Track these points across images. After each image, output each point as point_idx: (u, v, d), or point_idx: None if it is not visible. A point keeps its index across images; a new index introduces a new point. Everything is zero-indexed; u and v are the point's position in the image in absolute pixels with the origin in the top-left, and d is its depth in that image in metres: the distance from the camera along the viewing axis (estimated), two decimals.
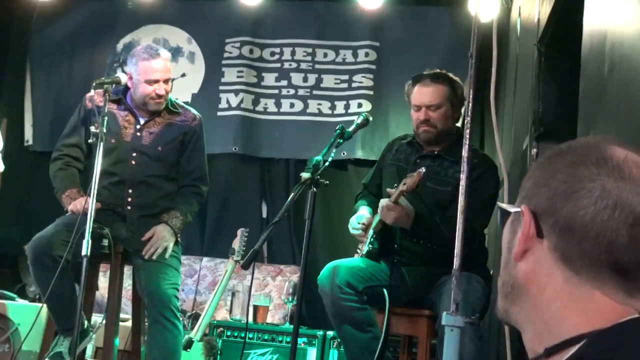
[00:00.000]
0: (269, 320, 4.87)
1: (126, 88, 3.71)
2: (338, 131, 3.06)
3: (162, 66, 3.63)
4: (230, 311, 4.68)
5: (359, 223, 3.34)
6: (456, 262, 2.13)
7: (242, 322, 4.46)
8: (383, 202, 3.18)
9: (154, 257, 3.53)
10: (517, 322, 1.04)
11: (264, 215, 5.87)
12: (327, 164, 2.93)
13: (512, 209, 1.05)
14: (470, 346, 2.75)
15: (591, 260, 0.94)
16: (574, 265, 0.95)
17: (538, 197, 0.99)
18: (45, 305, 3.46)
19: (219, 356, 4.12)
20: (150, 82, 3.60)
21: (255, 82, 5.91)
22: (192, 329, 4.24)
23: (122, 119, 3.69)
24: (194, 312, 4.94)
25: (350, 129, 3.14)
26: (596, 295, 0.94)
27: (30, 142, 6.16)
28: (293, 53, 5.89)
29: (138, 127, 3.69)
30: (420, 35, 5.60)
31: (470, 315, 2.46)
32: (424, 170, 3.08)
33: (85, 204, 3.23)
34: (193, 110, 3.93)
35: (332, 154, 2.99)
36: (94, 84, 3.41)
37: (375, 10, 5.62)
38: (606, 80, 1.99)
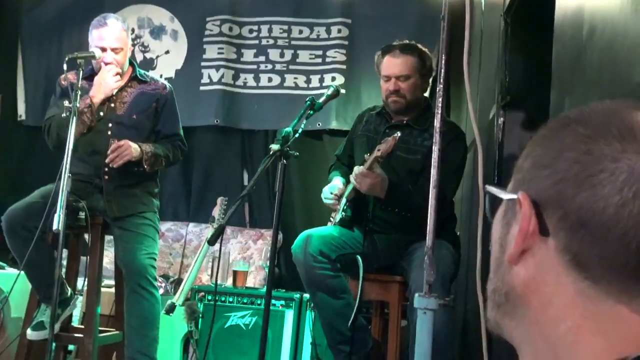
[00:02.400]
0: (250, 283, 4.58)
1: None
2: (308, 103, 2.72)
3: (110, 34, 3.27)
4: (212, 276, 4.38)
5: (331, 193, 3.04)
6: (429, 241, 1.81)
7: (224, 286, 4.16)
8: (357, 169, 2.86)
9: (115, 166, 3.18)
10: (513, 340, 0.71)
11: (245, 182, 5.57)
12: (297, 135, 2.59)
13: (505, 195, 0.71)
14: (441, 314, 2.44)
15: (615, 266, 0.61)
16: (591, 272, 0.62)
17: (540, 182, 0.65)
18: (23, 273, 3.13)
19: (200, 320, 3.82)
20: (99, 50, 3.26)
21: (235, 58, 5.56)
22: (174, 293, 3.93)
23: None
24: (176, 277, 4.63)
25: (321, 100, 2.81)
26: (622, 312, 0.61)
27: (23, 117, 5.80)
28: (270, 30, 5.53)
29: (111, 99, 3.35)
30: (389, 12, 5.27)
31: (441, 288, 2.16)
32: (399, 134, 2.77)
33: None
34: (162, 81, 3.61)
35: (303, 125, 2.65)
36: (66, 59, 3.04)
37: None
38: (584, 45, 1.66)
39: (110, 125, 3.32)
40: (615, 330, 0.61)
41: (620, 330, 0.61)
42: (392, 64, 3.04)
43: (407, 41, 3.14)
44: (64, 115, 2.97)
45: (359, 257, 2.94)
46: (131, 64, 3.44)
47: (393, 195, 2.87)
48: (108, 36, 3.25)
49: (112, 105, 3.35)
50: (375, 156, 2.76)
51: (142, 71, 3.50)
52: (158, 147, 3.35)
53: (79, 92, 2.94)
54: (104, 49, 3.25)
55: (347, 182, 3.07)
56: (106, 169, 3.29)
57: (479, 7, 3.94)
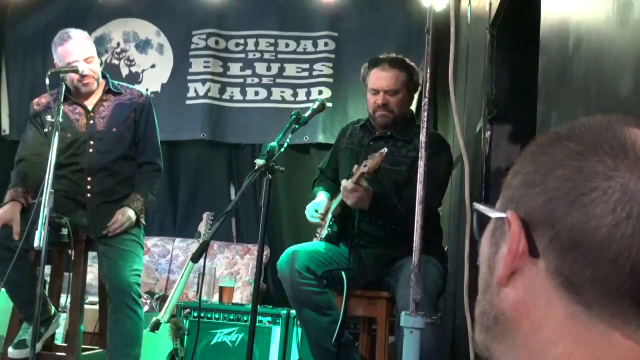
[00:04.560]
0: (237, 298, 4.52)
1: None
2: (293, 116, 2.69)
3: (76, 46, 3.20)
4: (197, 292, 4.32)
5: (316, 211, 3.00)
6: (415, 258, 1.77)
7: (210, 302, 4.10)
8: (345, 183, 2.80)
9: (118, 231, 3.19)
10: None
11: (232, 196, 5.52)
12: (282, 149, 2.55)
13: (493, 214, 0.68)
14: (428, 332, 2.40)
15: (608, 290, 0.58)
16: (583, 295, 0.59)
17: (530, 201, 0.62)
18: (5, 291, 3.07)
19: (185, 337, 3.75)
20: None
21: (221, 72, 5.54)
22: (159, 310, 3.86)
23: (72, 113, 3.29)
24: (162, 293, 4.56)
25: (307, 114, 2.77)
26: (614, 338, 0.58)
27: (7, 132, 5.75)
28: (256, 44, 5.52)
29: (89, 115, 3.29)
30: (375, 26, 5.28)
31: (428, 305, 2.12)
32: (385, 150, 2.72)
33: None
34: (139, 88, 3.54)
35: (288, 140, 2.61)
36: (49, 73, 3.00)
37: (333, 2, 5.30)
38: (571, 57, 1.64)
39: (92, 142, 3.27)
40: (608, 357, 0.58)
41: (613, 357, 0.58)
42: (381, 78, 3.00)
43: (395, 55, 3.11)
44: (46, 130, 2.93)
45: (343, 273, 2.89)
46: (104, 76, 3.38)
47: (377, 208, 2.83)
48: (76, 49, 3.19)
49: (92, 122, 3.29)
50: (362, 172, 2.72)
51: (116, 82, 3.44)
52: (143, 191, 3.32)
53: (62, 107, 2.90)
54: (75, 62, 3.19)
55: (332, 197, 3.04)
56: (89, 187, 3.25)
57: (464, 20, 3.95)
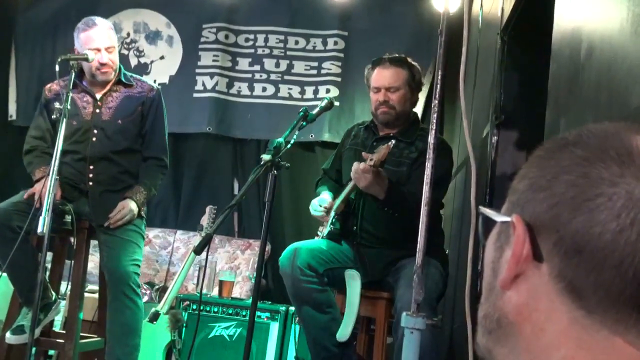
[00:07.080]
0: (236, 293, 4.53)
1: (80, 71, 3.31)
2: (301, 113, 2.68)
3: (101, 34, 3.23)
4: (197, 285, 4.33)
5: (320, 206, 3.00)
6: (418, 259, 1.78)
7: (209, 296, 4.11)
8: (357, 165, 2.73)
9: (119, 223, 3.20)
10: None
11: (236, 191, 5.55)
12: (289, 146, 2.55)
13: (498, 218, 0.68)
14: (427, 334, 2.41)
15: (611, 295, 0.58)
16: (586, 301, 0.59)
17: (535, 205, 0.63)
18: (5, 275, 3.07)
19: (184, 329, 3.77)
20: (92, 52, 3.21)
21: (230, 66, 5.55)
22: (159, 301, 3.88)
23: (80, 101, 3.31)
24: (162, 285, 4.58)
25: (314, 111, 2.77)
26: (616, 343, 0.58)
27: (14, 117, 5.76)
28: (266, 40, 5.53)
29: (96, 104, 3.31)
30: (385, 26, 5.27)
31: (427, 307, 2.13)
32: (393, 142, 2.71)
33: (43, 187, 2.87)
34: (150, 82, 3.55)
35: (295, 136, 2.61)
36: (59, 60, 3.00)
37: (344, 1, 5.30)
38: (582, 65, 1.64)
39: (95, 131, 3.28)
40: None
41: None
42: (382, 76, 3.02)
43: (397, 54, 3.12)
44: (54, 117, 2.95)
45: (349, 272, 2.88)
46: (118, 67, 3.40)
47: (392, 196, 2.79)
48: (99, 36, 3.22)
49: (98, 110, 3.30)
50: (368, 165, 2.71)
51: (129, 73, 3.45)
52: (147, 184, 3.33)
53: (70, 94, 2.91)
54: (97, 50, 3.21)
55: (335, 196, 3.04)
56: (90, 175, 3.26)
57: (475, 25, 3.94)
